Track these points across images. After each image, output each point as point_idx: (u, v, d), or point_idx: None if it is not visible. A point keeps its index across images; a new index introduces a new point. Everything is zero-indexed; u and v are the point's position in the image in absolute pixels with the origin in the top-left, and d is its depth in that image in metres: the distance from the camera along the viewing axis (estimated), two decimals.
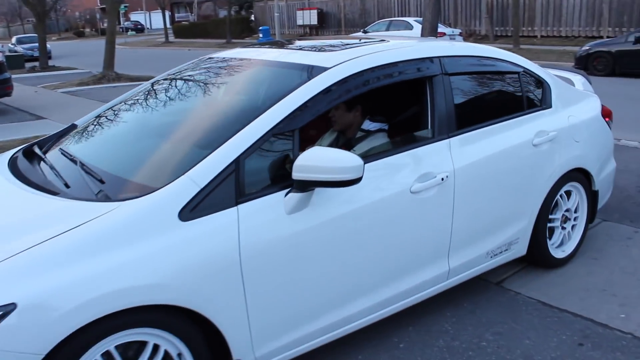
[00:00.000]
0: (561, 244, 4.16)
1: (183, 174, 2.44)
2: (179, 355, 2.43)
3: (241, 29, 39.07)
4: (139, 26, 64.40)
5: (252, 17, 41.17)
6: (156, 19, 64.50)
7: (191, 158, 2.55)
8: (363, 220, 2.85)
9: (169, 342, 2.38)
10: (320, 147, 2.60)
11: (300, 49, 3.38)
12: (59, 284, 2.10)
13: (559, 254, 4.10)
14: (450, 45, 3.65)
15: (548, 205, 3.88)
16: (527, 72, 3.89)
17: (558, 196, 3.99)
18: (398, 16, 28.51)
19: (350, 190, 2.77)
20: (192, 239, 2.36)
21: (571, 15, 23.81)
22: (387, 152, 3.07)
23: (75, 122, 3.70)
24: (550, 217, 3.97)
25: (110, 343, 2.23)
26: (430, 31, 8.79)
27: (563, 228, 4.13)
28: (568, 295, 3.71)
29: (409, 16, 27.80)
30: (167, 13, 45.56)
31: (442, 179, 3.13)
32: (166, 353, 2.40)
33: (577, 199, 4.18)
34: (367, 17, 31.01)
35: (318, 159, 2.50)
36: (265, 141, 2.60)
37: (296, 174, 2.52)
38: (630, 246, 4.46)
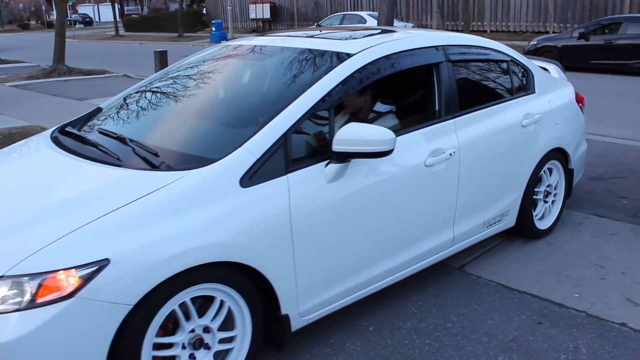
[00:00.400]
0: (543, 216, 4.56)
1: (240, 146, 2.72)
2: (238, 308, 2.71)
3: (193, 23, 38.59)
4: (87, 19, 62.87)
5: (204, 11, 40.71)
6: (105, 12, 62.98)
7: (244, 133, 2.82)
8: (388, 190, 3.19)
9: (229, 296, 2.65)
10: (356, 123, 2.90)
11: (323, 38, 3.78)
12: (145, 243, 2.35)
13: (542, 225, 4.52)
14: (451, 35, 4.03)
15: (533, 181, 4.29)
16: (514, 61, 4.30)
17: (541, 172, 4.41)
18: (351, 10, 28.72)
19: (377, 162, 3.11)
20: (251, 203, 2.65)
21: (519, 11, 24.47)
22: (403, 130, 3.38)
23: (101, 106, 3.94)
24: (535, 190, 4.41)
25: (185, 296, 2.50)
26: (386, 25, 8.92)
27: (545, 202, 4.55)
28: (526, 278, 3.90)
29: (361, 10, 28.06)
30: (117, 6, 44.55)
31: (450, 154, 3.50)
32: (225, 306, 2.67)
33: (556, 176, 4.61)
34: (320, 11, 31.10)
35: (356, 133, 2.82)
36: (306, 118, 2.90)
37: (336, 147, 2.84)
38: (582, 231, 4.69)
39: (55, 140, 3.39)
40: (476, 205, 3.83)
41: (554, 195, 4.63)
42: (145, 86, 3.89)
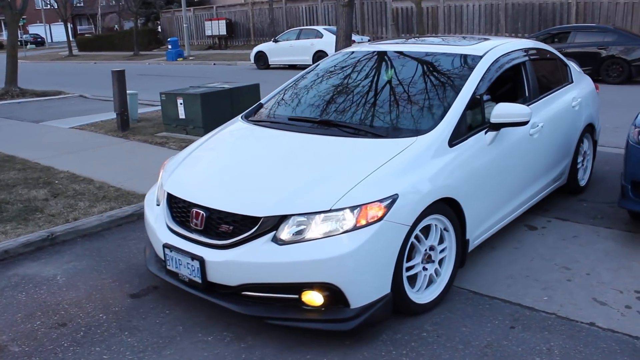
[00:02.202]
0: (581, 175, 5.86)
1: (441, 120, 3.82)
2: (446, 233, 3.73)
3: (148, 41, 38.19)
4: (39, 39, 61.50)
5: (159, 29, 40.33)
6: (57, 32, 61.77)
7: (438, 112, 3.94)
8: (515, 150, 4.37)
9: (443, 223, 3.65)
10: (504, 103, 4.05)
11: (443, 44, 4.84)
12: (412, 184, 3.39)
13: (582, 182, 5.85)
14: (526, 41, 5.42)
15: (577, 149, 5.57)
16: (559, 59, 5.69)
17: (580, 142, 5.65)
18: (307, 25, 28.87)
19: (509, 131, 4.24)
20: (455, 157, 3.74)
21: (471, 22, 25.02)
22: None
23: (261, 102, 4.94)
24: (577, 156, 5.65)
25: (428, 222, 3.51)
26: (344, 39, 8.98)
27: (582, 165, 5.84)
28: (495, 284, 3.96)
29: (317, 24, 28.26)
30: (69, 25, 43.75)
31: (541, 127, 4.73)
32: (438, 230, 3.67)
33: (588, 144, 5.94)
34: (276, 26, 31.18)
35: (506, 110, 3.99)
36: (470, 102, 3.99)
37: (493, 119, 4.00)
38: (546, 234, 4.80)
39: (259, 124, 4.40)
40: (551, 165, 5.05)
41: (586, 160, 5.95)
42: (302, 83, 4.91)
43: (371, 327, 3.33)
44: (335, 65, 4.98)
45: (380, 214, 3.17)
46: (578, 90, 5.68)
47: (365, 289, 3.17)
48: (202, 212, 3.42)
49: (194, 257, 3.34)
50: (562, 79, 5.58)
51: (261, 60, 22.65)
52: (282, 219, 3.18)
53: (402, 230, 3.26)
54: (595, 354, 3.13)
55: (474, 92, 4.06)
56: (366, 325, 3.19)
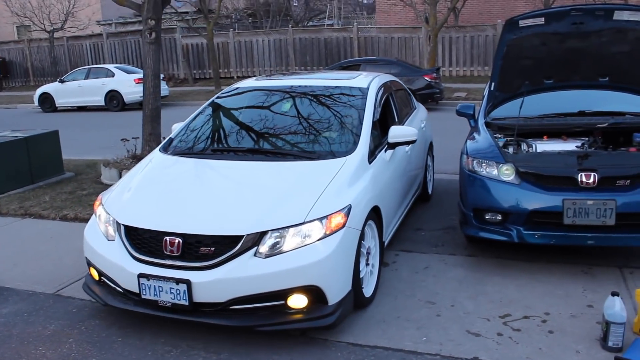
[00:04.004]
0: (429, 185, 6.96)
1: (359, 142, 4.47)
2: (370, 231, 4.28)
3: None
4: None
5: None
6: None
7: (353, 135, 4.58)
8: (401, 163, 5.25)
9: (370, 226, 4.21)
10: (397, 126, 5.00)
11: (329, 78, 5.62)
12: (356, 195, 3.97)
13: (429, 191, 6.94)
14: (386, 75, 6.18)
15: (426, 163, 6.63)
16: (406, 89, 6.78)
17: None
18: (93, 63, 27.18)
19: (399, 149, 5.16)
20: (373, 172, 4.43)
21: (262, 56, 25.52)
22: None
23: (171, 136, 5.11)
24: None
25: (366, 227, 4.03)
26: (153, 77, 8.41)
27: (429, 176, 6.89)
28: (370, 330, 3.79)
29: (104, 62, 26.76)
30: None
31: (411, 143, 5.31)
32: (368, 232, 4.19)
33: (430, 159, 6.99)
34: (59, 65, 28.85)
35: (400, 131, 4.84)
36: (372, 126, 4.75)
37: (391, 140, 4.81)
38: (399, 269, 4.79)
39: (188, 156, 4.66)
40: (415, 176, 5.94)
41: (430, 172, 6.99)
42: (210, 117, 5.27)
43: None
44: (239, 100, 5.48)
45: (342, 221, 3.69)
46: (421, 114, 6.86)
47: (338, 286, 3.64)
48: (177, 238, 3.59)
49: (179, 281, 3.49)
50: (411, 105, 6.70)
51: (47, 102, 20.64)
52: (262, 234, 3.52)
53: (357, 234, 3.82)
54: None
55: (373, 117, 4.80)
56: (339, 320, 3.62)
